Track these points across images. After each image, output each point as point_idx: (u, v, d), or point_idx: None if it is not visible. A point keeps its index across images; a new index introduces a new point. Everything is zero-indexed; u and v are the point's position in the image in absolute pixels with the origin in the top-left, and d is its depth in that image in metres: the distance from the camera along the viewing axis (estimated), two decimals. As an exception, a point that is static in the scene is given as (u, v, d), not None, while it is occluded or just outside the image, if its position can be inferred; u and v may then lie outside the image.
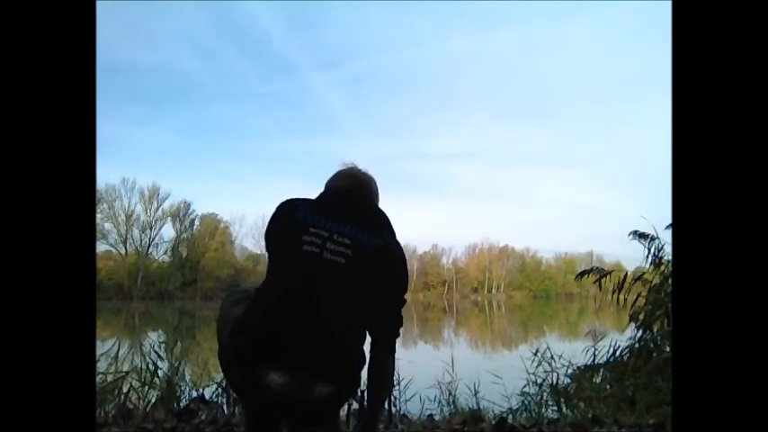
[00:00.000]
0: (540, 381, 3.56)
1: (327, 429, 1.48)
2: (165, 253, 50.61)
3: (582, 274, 5.16)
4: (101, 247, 45.32)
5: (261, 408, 1.43)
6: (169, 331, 14.40)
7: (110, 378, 3.19)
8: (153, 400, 3.02)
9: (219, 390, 3.02)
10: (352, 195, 1.52)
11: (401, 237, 1.57)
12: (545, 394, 3.40)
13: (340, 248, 1.36)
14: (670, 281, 4.17)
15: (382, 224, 1.51)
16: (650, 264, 4.67)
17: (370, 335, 1.45)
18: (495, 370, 3.54)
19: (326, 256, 1.35)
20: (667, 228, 4.57)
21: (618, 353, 4.15)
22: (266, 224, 1.49)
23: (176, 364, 3.36)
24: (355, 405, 1.86)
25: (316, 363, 1.28)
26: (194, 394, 3.07)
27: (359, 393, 1.68)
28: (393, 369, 1.52)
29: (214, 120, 73.77)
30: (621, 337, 4.36)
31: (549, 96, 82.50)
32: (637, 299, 4.56)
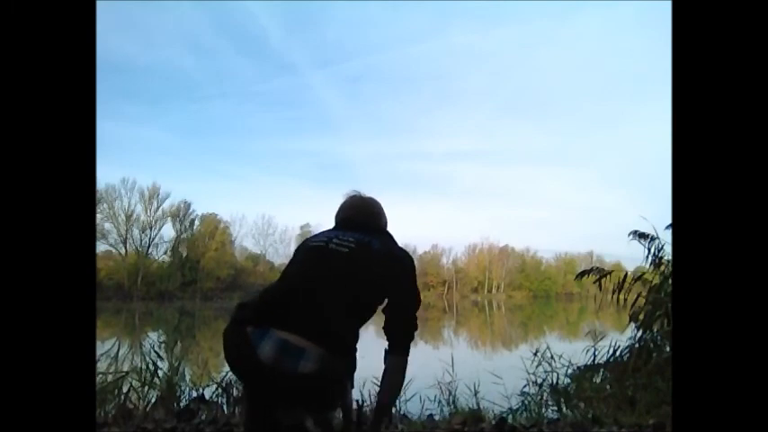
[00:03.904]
0: (540, 381, 3.56)
1: (318, 421, 1.49)
2: (165, 253, 50.65)
3: (582, 274, 5.16)
4: (101, 247, 45.35)
5: (254, 393, 1.45)
6: (169, 331, 14.40)
7: (110, 378, 3.19)
8: (153, 400, 3.02)
9: (219, 390, 3.02)
10: (357, 221, 1.65)
11: (401, 237, 1.60)
12: (545, 394, 3.40)
13: (343, 243, 1.50)
14: (670, 281, 4.17)
15: (385, 234, 1.65)
16: (650, 264, 4.67)
17: (386, 337, 1.52)
18: (495, 370, 3.54)
19: (331, 247, 1.49)
20: (667, 228, 4.58)
21: (618, 353, 4.15)
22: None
23: (176, 364, 3.36)
24: (355, 404, 1.86)
25: (307, 328, 1.32)
26: (194, 394, 3.07)
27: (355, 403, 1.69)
28: (403, 372, 1.54)
29: (213, 119, 73.76)
30: (621, 337, 4.36)
31: (550, 95, 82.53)
32: (637, 299, 4.56)
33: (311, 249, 1.53)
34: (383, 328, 1.53)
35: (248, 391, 1.51)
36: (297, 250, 1.59)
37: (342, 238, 1.53)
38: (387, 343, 1.52)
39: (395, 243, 1.63)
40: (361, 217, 1.67)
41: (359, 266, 1.46)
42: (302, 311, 1.36)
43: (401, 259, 1.55)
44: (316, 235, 1.61)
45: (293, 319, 1.34)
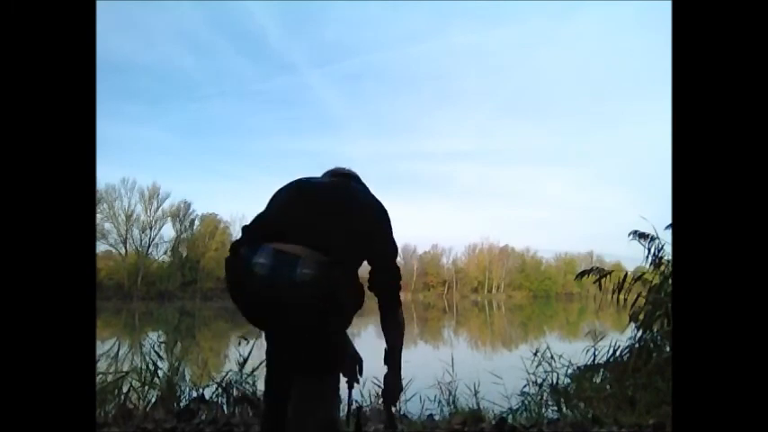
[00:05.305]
0: (540, 381, 3.56)
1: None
2: (165, 253, 50.65)
3: (582, 274, 5.15)
4: (101, 247, 45.36)
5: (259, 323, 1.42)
6: (169, 331, 14.38)
7: (110, 378, 3.19)
8: (153, 400, 3.02)
9: (219, 390, 3.02)
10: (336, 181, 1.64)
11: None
12: (545, 394, 3.40)
13: (323, 180, 1.58)
14: (670, 281, 4.17)
15: (361, 183, 1.67)
16: (650, 264, 4.67)
17: (375, 294, 1.53)
18: (495, 370, 3.53)
19: (312, 182, 1.54)
20: (667, 228, 4.58)
21: (618, 353, 4.15)
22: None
23: (176, 364, 3.36)
24: (355, 405, 1.86)
25: (302, 237, 1.31)
26: (194, 394, 3.07)
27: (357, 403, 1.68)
28: (402, 320, 1.57)
29: (213, 119, 73.99)
30: (621, 337, 4.36)
31: (550, 95, 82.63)
32: (637, 299, 4.56)
33: (291, 187, 1.54)
34: (369, 285, 1.51)
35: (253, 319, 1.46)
36: (274, 196, 1.56)
37: (328, 180, 1.58)
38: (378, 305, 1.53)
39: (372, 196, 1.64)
40: (338, 180, 1.65)
41: (345, 196, 1.49)
42: (296, 224, 1.36)
43: (379, 205, 1.56)
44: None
45: (287, 231, 1.32)
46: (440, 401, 3.17)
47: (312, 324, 1.31)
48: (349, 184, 1.58)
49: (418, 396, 3.11)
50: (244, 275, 1.30)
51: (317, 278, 1.25)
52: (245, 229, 1.42)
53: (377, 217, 1.52)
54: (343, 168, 1.71)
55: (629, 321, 4.44)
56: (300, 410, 1.38)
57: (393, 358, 1.58)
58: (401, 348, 1.60)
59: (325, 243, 1.31)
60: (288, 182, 1.58)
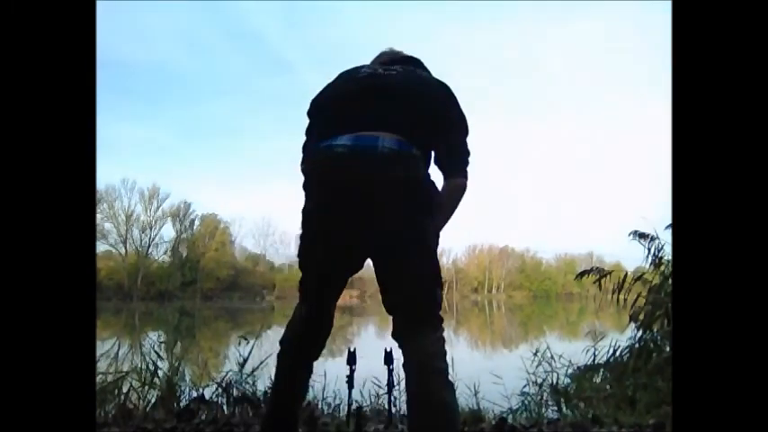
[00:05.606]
0: (540, 381, 3.55)
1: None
2: (165, 253, 50.66)
3: (582, 274, 5.15)
4: (101, 247, 45.35)
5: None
6: (169, 331, 14.37)
7: (110, 378, 3.19)
8: (153, 400, 3.01)
9: (219, 390, 3.02)
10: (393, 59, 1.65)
11: None
12: (545, 394, 3.39)
13: (390, 71, 1.50)
14: (670, 281, 4.17)
15: (425, 68, 1.65)
16: (650, 264, 4.67)
17: (441, 168, 1.50)
18: (495, 370, 3.53)
19: (379, 72, 1.49)
20: (667, 228, 4.58)
21: (618, 353, 4.15)
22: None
23: (176, 364, 3.36)
24: (355, 404, 1.86)
25: (379, 125, 1.31)
26: (194, 394, 3.07)
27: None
28: (462, 192, 1.53)
29: (213, 118, 73.87)
30: (621, 337, 4.36)
31: (551, 95, 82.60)
32: (637, 299, 4.56)
33: (361, 75, 1.50)
34: (436, 162, 1.48)
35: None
36: (336, 86, 1.54)
37: (386, 68, 1.52)
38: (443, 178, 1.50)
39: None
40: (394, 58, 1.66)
41: (413, 81, 1.47)
42: (366, 114, 1.35)
43: (447, 88, 1.52)
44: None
45: (362, 121, 1.33)
46: (440, 401, 3.15)
47: (400, 202, 1.30)
48: (413, 70, 1.54)
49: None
50: (324, 161, 1.32)
51: (398, 153, 1.28)
52: (308, 132, 1.49)
53: (447, 99, 1.49)
54: (401, 53, 1.68)
55: (629, 321, 4.44)
56: (423, 361, 1.37)
57: (440, 213, 1.52)
58: (452, 212, 1.55)
59: (401, 129, 1.32)
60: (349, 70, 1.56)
